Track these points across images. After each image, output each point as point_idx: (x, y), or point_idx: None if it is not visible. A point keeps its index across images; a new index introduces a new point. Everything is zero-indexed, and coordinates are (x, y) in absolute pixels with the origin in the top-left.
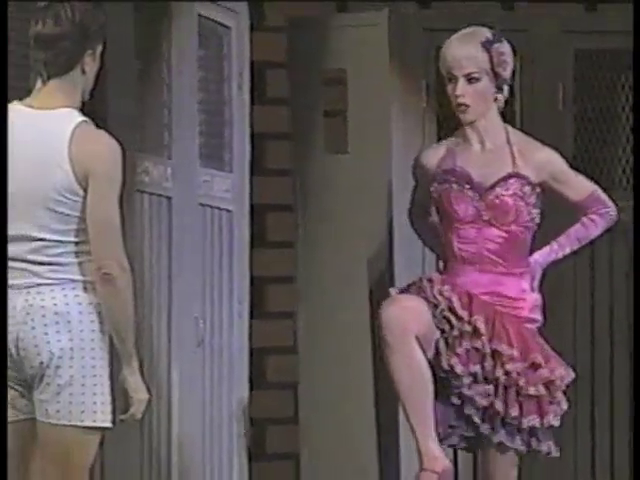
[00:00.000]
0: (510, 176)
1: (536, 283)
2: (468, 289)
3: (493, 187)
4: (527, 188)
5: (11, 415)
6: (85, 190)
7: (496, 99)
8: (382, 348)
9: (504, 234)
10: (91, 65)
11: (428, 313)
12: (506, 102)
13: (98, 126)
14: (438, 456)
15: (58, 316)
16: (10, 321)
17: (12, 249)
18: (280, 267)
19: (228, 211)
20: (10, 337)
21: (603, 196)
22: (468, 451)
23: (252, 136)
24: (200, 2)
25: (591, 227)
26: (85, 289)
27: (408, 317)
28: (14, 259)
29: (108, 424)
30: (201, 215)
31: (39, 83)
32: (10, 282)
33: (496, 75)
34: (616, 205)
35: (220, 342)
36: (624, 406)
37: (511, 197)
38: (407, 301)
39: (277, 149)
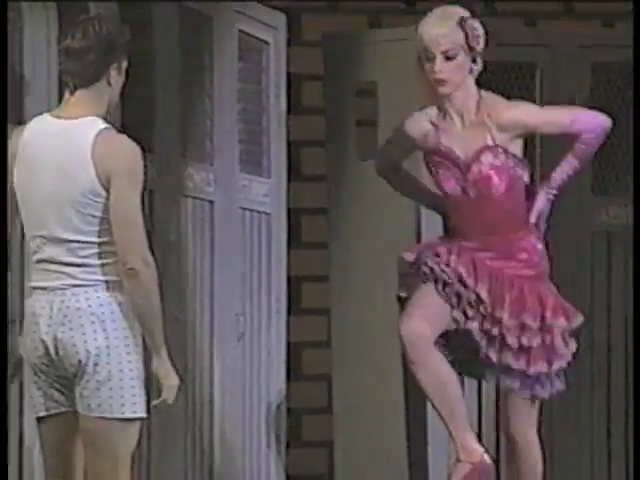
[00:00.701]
0: (483, 149)
1: (542, 229)
2: (474, 255)
3: (471, 164)
4: (502, 156)
5: (52, 408)
6: (108, 191)
7: (471, 70)
8: (407, 363)
9: (495, 205)
10: (116, 78)
11: (443, 307)
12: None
13: (144, 135)
14: (475, 448)
15: (93, 316)
16: (47, 322)
17: (47, 251)
18: (315, 267)
19: (266, 214)
20: (48, 337)
21: (586, 116)
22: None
23: (289, 144)
24: (241, 18)
25: (586, 150)
26: (117, 289)
27: (425, 329)
28: (49, 261)
29: (144, 414)
30: (241, 218)
31: (67, 94)
32: (46, 284)
33: (471, 49)
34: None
35: (259, 337)
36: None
37: (490, 169)
38: (421, 309)
39: (312, 156)
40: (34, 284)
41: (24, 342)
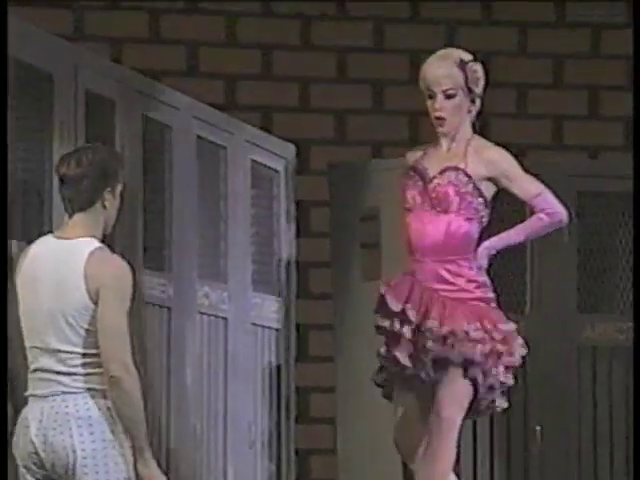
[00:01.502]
0: (447, 168)
1: (484, 264)
2: (421, 282)
3: (434, 177)
4: (463, 178)
5: None
6: (97, 304)
7: (470, 111)
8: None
9: (446, 223)
10: (111, 201)
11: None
12: None
13: (164, 255)
14: None
15: (81, 421)
16: (38, 425)
17: (42, 361)
18: (321, 378)
19: (276, 330)
20: (37, 440)
21: (552, 199)
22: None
23: (297, 264)
24: (253, 148)
25: (538, 224)
26: (103, 396)
27: (418, 441)
28: (43, 370)
29: None
30: (253, 333)
31: (66, 217)
32: (39, 392)
33: (470, 90)
34: (617, 328)
35: (269, 444)
36: None
37: (448, 186)
38: (410, 423)
39: (319, 276)
40: (29, 392)
41: (16, 444)
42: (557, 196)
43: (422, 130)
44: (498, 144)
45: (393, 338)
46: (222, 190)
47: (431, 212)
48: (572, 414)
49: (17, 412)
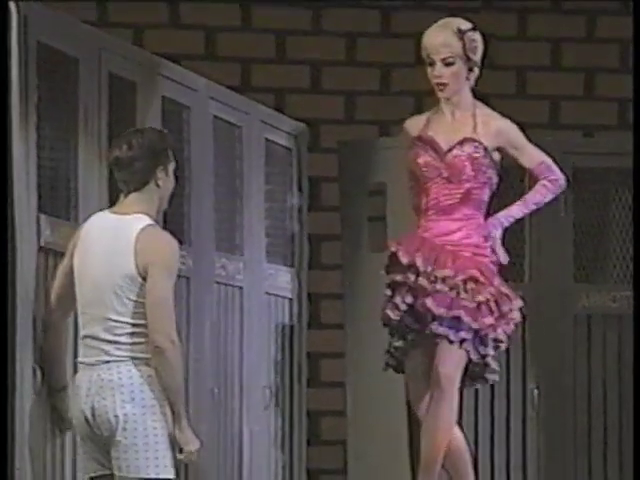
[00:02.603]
0: (465, 140)
1: (494, 234)
2: (430, 238)
3: (451, 149)
4: (480, 150)
5: (98, 470)
6: (145, 278)
7: (468, 78)
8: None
9: (461, 190)
10: (164, 179)
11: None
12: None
13: (183, 229)
14: None
15: (123, 388)
16: (86, 393)
17: (90, 328)
18: (332, 345)
19: (289, 299)
20: (86, 406)
21: (553, 166)
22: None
23: (309, 237)
24: (267, 128)
25: (543, 192)
26: (146, 364)
27: (424, 393)
28: (90, 337)
29: (171, 475)
30: (267, 302)
31: (122, 196)
32: (87, 359)
33: (468, 58)
34: (610, 297)
35: (282, 406)
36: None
37: (466, 158)
38: (417, 377)
39: (330, 248)
40: (79, 359)
41: (72, 410)
42: None
43: (427, 110)
44: None
45: (408, 291)
46: (237, 167)
47: (446, 181)
48: (568, 378)
49: (54, 392)
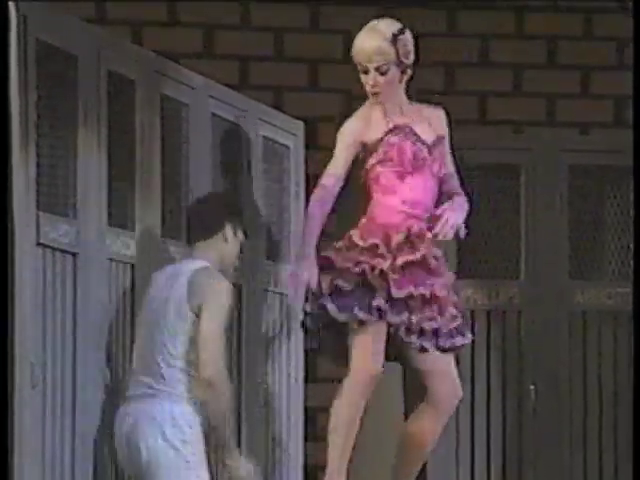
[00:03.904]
0: (442, 137)
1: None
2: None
3: (434, 144)
4: (439, 141)
5: None
6: (197, 315)
7: (401, 81)
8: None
9: (428, 183)
10: (231, 237)
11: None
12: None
13: (178, 223)
14: None
15: (155, 421)
16: (126, 425)
17: (138, 363)
18: None
19: (287, 295)
20: (125, 438)
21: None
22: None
23: None
24: (265, 126)
25: (463, 199)
26: (181, 399)
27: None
28: (137, 372)
29: None
30: (265, 300)
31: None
32: (131, 392)
33: (401, 62)
34: (605, 294)
35: (280, 402)
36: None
37: (434, 149)
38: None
39: (327, 245)
40: (126, 394)
41: (115, 439)
42: (549, 170)
43: None
44: (496, 121)
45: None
46: (236, 165)
47: (415, 173)
48: (563, 374)
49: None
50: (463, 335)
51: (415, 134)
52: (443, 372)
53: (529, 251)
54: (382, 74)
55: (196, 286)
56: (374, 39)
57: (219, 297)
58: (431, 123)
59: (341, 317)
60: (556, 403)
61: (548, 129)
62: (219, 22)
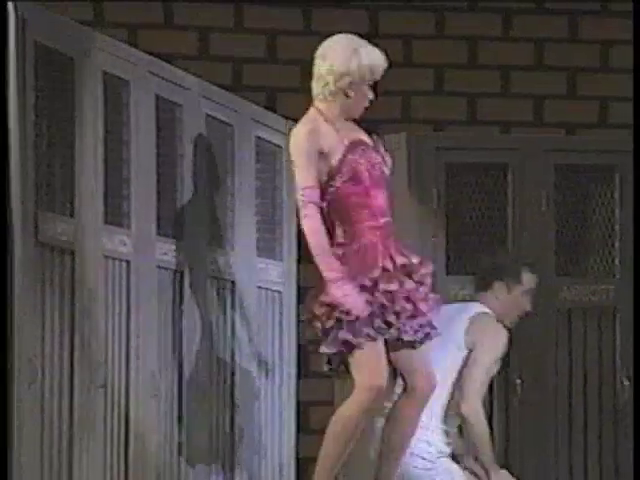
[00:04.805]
0: (378, 145)
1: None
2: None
3: (374, 154)
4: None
5: None
6: (470, 351)
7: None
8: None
9: (385, 195)
10: (504, 293)
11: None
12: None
13: (176, 225)
14: None
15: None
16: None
17: None
18: None
19: (279, 292)
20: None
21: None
22: None
23: (298, 232)
24: (257, 126)
25: None
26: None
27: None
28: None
29: None
30: (258, 296)
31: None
32: None
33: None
34: (591, 291)
35: (273, 396)
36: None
37: (382, 161)
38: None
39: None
40: None
41: None
42: (536, 169)
43: (415, 109)
44: (484, 122)
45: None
46: (229, 164)
47: (378, 185)
48: (549, 369)
49: None
50: (435, 327)
51: (369, 146)
52: (418, 363)
53: (516, 248)
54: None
55: (474, 326)
56: (382, 58)
57: (494, 342)
58: (359, 131)
59: (356, 341)
60: (542, 397)
61: (535, 129)
62: (213, 24)
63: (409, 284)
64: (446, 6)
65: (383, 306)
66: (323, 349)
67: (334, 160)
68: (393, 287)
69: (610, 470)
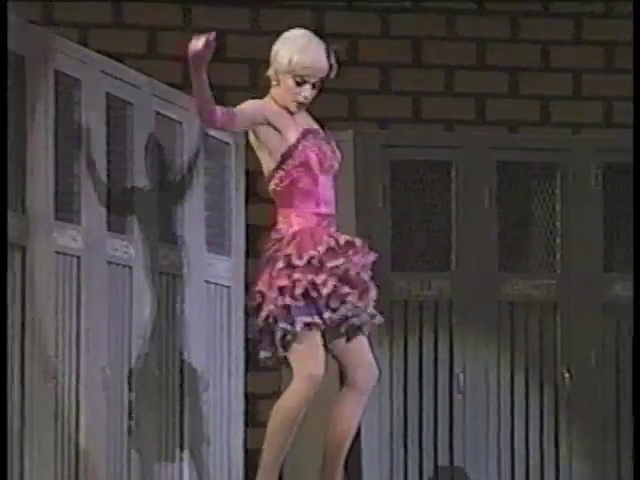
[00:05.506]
0: (328, 133)
1: None
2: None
3: (325, 142)
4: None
5: None
6: None
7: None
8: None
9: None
10: None
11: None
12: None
13: (124, 218)
14: None
15: None
16: None
17: None
18: None
19: (227, 287)
20: None
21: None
22: None
23: (247, 228)
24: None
25: None
26: None
27: None
28: None
29: None
30: (206, 290)
31: None
32: None
33: (327, 77)
34: (533, 285)
35: (221, 389)
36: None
37: (334, 150)
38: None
39: (266, 238)
40: None
41: None
42: (479, 166)
43: (361, 107)
44: (429, 120)
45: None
46: (178, 161)
47: (326, 174)
48: (491, 362)
49: None
50: (373, 316)
51: (322, 137)
52: (357, 353)
53: (459, 243)
54: (313, 87)
55: None
56: (321, 54)
57: None
58: (314, 122)
59: (295, 329)
60: (485, 390)
61: (478, 127)
62: (162, 24)
63: (357, 258)
64: (389, 7)
65: (334, 286)
66: (262, 354)
67: (287, 143)
68: (339, 262)
69: (551, 462)
